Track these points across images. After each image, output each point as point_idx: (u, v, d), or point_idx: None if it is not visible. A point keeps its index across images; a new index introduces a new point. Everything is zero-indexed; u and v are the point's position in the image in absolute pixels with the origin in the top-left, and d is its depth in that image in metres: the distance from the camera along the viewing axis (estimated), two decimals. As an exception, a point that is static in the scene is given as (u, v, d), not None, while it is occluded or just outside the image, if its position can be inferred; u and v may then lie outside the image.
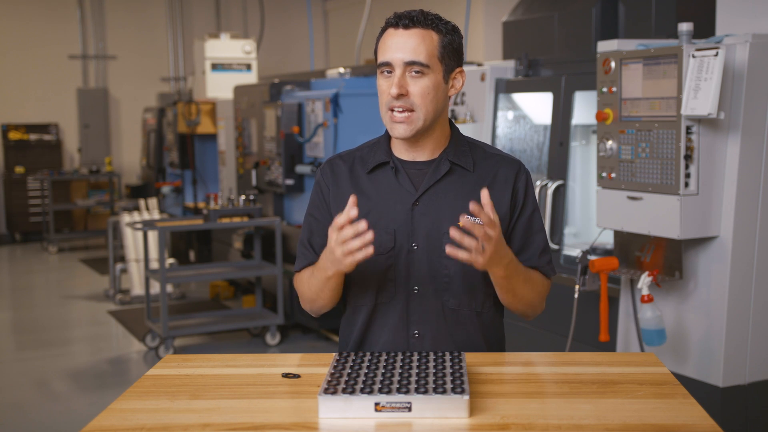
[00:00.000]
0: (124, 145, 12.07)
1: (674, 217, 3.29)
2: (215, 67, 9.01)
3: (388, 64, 1.95)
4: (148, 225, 5.99)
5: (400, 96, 1.93)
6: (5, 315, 7.48)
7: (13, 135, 11.19)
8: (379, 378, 1.69)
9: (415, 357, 1.83)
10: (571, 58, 4.35)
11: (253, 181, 6.91)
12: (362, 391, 1.61)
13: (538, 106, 4.63)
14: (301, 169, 6.23)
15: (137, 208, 8.77)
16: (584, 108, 4.22)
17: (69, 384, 5.36)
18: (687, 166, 3.27)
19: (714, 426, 1.53)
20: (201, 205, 8.30)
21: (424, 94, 1.94)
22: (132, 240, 7.45)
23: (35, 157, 11.25)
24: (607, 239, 3.95)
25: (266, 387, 1.80)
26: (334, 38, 12.52)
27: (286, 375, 1.85)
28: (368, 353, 1.88)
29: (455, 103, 4.82)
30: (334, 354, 1.91)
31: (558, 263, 4.23)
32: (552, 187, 4.25)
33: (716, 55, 3.11)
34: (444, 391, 1.59)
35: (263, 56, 10.94)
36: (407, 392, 1.60)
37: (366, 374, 1.71)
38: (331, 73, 6.66)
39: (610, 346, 3.83)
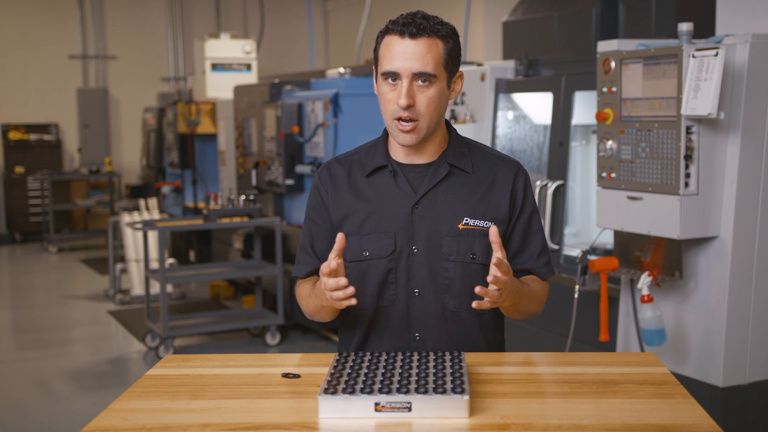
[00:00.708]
0: (124, 145, 12.07)
1: (674, 217, 3.29)
2: (215, 67, 9.01)
3: (395, 74, 1.93)
4: (148, 225, 5.99)
5: (408, 107, 1.92)
6: (5, 315, 7.48)
7: (13, 135, 11.19)
8: (379, 378, 1.69)
9: (415, 357, 1.83)
10: (571, 58, 4.35)
11: (253, 181, 6.91)
12: (362, 391, 1.61)
13: (538, 106, 4.63)
14: (301, 169, 6.23)
15: (137, 208, 8.77)
16: (584, 108, 4.22)
17: (69, 384, 5.36)
18: (687, 166, 3.27)
19: (714, 426, 1.53)
20: (201, 205, 8.30)
21: (430, 103, 1.94)
22: (132, 240, 7.45)
23: (35, 157, 11.25)
24: (607, 239, 3.95)
25: (266, 387, 1.80)
26: (334, 38, 12.52)
27: (286, 375, 1.85)
28: (368, 353, 1.88)
29: (455, 104, 4.82)
30: (334, 354, 1.91)
31: (558, 263, 4.23)
32: (552, 187, 4.25)
33: (716, 55, 3.11)
34: (444, 391, 1.59)
35: (263, 56, 10.94)
36: (407, 392, 1.60)
37: (366, 374, 1.71)
38: (331, 73, 6.66)
39: (610, 346, 3.83)
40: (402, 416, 1.58)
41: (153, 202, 8.26)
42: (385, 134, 2.09)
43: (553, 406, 1.65)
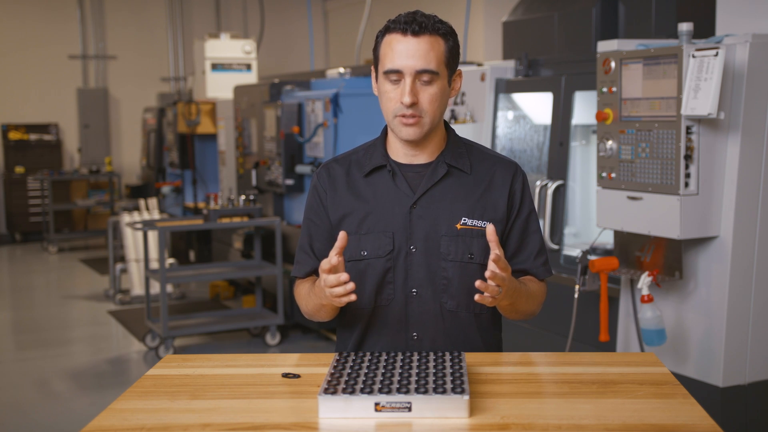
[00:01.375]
0: (124, 145, 12.07)
1: (674, 217, 3.29)
2: (215, 67, 9.01)
3: (398, 72, 1.93)
4: (148, 225, 5.99)
5: (413, 104, 1.92)
6: (5, 315, 7.48)
7: (13, 135, 11.19)
8: (379, 378, 1.69)
9: (415, 357, 1.83)
10: (571, 58, 4.35)
11: (253, 181, 6.91)
12: (362, 391, 1.61)
13: (538, 106, 4.63)
14: (301, 169, 6.23)
15: (137, 208, 8.77)
16: (584, 108, 4.22)
17: (69, 384, 5.36)
18: (687, 166, 3.27)
19: (714, 426, 1.53)
20: (201, 205, 8.30)
21: (433, 100, 1.95)
22: (132, 240, 7.45)
23: (35, 157, 11.25)
24: (607, 239, 3.95)
25: (266, 387, 1.80)
26: (334, 38, 12.52)
27: (286, 375, 1.85)
28: (368, 353, 1.88)
29: (455, 103, 4.82)
30: (334, 354, 1.91)
31: (558, 263, 4.23)
32: (552, 187, 4.24)
33: (716, 55, 3.11)
34: (444, 391, 1.59)
35: (263, 56, 10.94)
36: (407, 392, 1.60)
37: (366, 374, 1.71)
38: (331, 73, 6.66)
39: (610, 346, 3.83)
40: (402, 416, 1.58)
41: (153, 202, 8.26)
42: (384, 134, 2.10)
43: (553, 406, 1.65)
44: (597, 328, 3.76)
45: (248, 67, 9.15)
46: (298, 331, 6.35)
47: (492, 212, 2.02)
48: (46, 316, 7.28)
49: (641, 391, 1.71)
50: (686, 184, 3.27)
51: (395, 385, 1.64)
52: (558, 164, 4.30)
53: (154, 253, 7.24)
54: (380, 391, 1.61)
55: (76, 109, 11.61)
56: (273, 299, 6.68)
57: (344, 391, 1.61)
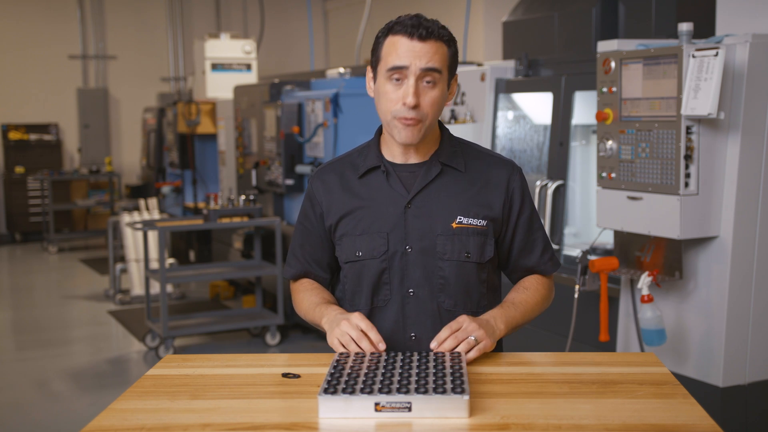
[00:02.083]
0: (124, 145, 12.07)
1: (674, 217, 3.29)
2: (215, 67, 9.01)
3: (402, 69, 1.91)
4: (148, 225, 5.99)
5: (415, 106, 1.91)
6: (5, 315, 7.49)
7: (13, 135, 11.19)
8: (379, 378, 1.69)
9: (415, 357, 1.83)
10: (571, 58, 4.35)
11: (253, 181, 6.91)
12: (362, 391, 1.61)
13: (538, 106, 4.63)
14: (301, 169, 6.23)
15: (137, 208, 8.77)
16: (584, 108, 4.22)
17: (69, 384, 5.36)
18: (687, 166, 3.27)
19: (714, 426, 1.53)
20: (201, 205, 8.30)
21: (434, 104, 1.94)
22: (132, 240, 7.45)
23: (35, 157, 11.25)
24: (607, 239, 3.95)
25: (266, 387, 1.80)
26: (334, 38, 12.52)
27: (286, 375, 1.85)
28: (368, 353, 1.88)
29: (455, 103, 4.82)
30: (334, 354, 1.91)
31: (559, 262, 4.23)
32: (552, 187, 4.25)
33: (716, 55, 3.11)
34: (444, 391, 1.59)
35: (263, 56, 10.94)
36: (407, 392, 1.60)
37: (366, 374, 1.71)
38: (331, 73, 6.66)
39: (610, 346, 3.83)
40: (402, 416, 1.58)
41: (153, 202, 8.26)
42: (378, 136, 2.10)
43: (553, 406, 1.65)
44: (597, 328, 3.76)
45: (248, 67, 9.15)
46: (298, 331, 6.35)
47: (488, 210, 2.02)
48: (46, 316, 7.28)
49: (641, 391, 1.71)
50: (686, 184, 3.27)
51: (395, 385, 1.64)
52: (558, 164, 4.30)
53: (154, 253, 7.24)
54: (380, 391, 1.61)
55: (76, 109, 11.61)
56: (273, 299, 6.68)
57: (344, 391, 1.61)
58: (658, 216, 3.36)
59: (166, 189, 9.15)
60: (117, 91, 12.01)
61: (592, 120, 3.99)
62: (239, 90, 7.55)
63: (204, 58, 9.00)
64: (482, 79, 4.65)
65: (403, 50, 1.92)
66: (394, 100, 1.94)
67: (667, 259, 3.46)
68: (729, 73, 3.24)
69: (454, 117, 4.78)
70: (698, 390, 3.34)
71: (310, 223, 2.12)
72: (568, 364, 1.92)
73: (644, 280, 3.43)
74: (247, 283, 7.41)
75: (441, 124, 2.09)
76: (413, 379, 1.68)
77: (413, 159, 2.04)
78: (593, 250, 4.02)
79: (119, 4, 11.97)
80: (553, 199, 4.25)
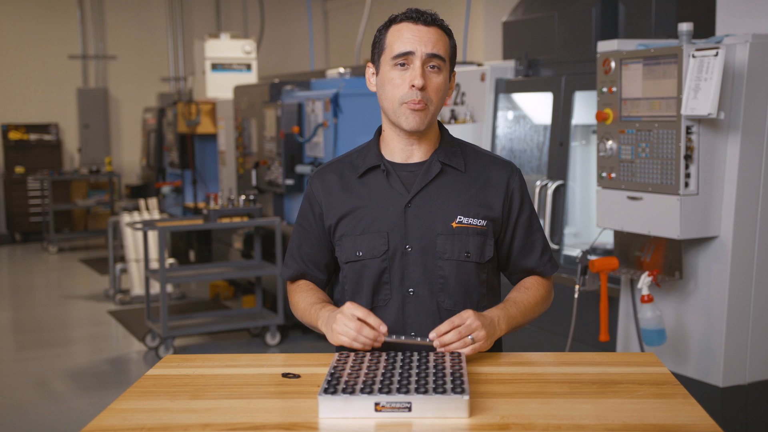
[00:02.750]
0: (124, 145, 12.07)
1: (674, 217, 3.29)
2: (215, 67, 9.01)
3: (408, 55, 1.94)
4: (148, 225, 5.99)
5: (422, 88, 1.94)
6: (5, 315, 7.49)
7: (13, 135, 11.19)
8: (379, 378, 1.69)
9: (415, 357, 1.83)
10: (571, 58, 4.35)
11: (253, 181, 6.91)
12: (362, 391, 1.61)
13: (538, 106, 4.63)
14: (301, 169, 6.23)
15: (137, 208, 8.77)
16: (584, 108, 4.22)
17: (69, 384, 5.36)
18: (687, 166, 3.27)
19: (714, 426, 1.53)
20: (201, 205, 8.30)
21: (438, 90, 1.97)
22: (132, 240, 7.46)
23: (35, 157, 11.25)
24: (607, 239, 3.95)
25: (266, 387, 1.80)
26: (334, 38, 12.52)
27: (286, 375, 1.85)
28: (368, 353, 1.88)
29: (455, 103, 4.82)
30: (334, 354, 1.91)
31: (558, 263, 4.23)
32: (552, 187, 4.24)
33: (716, 55, 3.11)
34: (444, 391, 1.59)
35: (263, 56, 10.94)
36: (407, 392, 1.60)
37: (366, 374, 1.71)
38: (331, 73, 6.66)
39: (610, 346, 3.83)
40: (402, 416, 1.58)
41: (153, 202, 8.26)
42: (377, 136, 2.10)
43: (553, 406, 1.65)
44: (597, 328, 3.76)
45: (248, 67, 9.15)
46: (298, 331, 6.35)
47: (488, 210, 2.03)
48: (46, 316, 7.28)
49: (641, 391, 1.71)
50: (686, 184, 3.27)
51: (395, 385, 1.64)
52: (558, 164, 4.30)
53: (154, 253, 7.24)
54: (380, 391, 1.61)
55: (76, 109, 11.61)
56: (273, 299, 6.68)
57: (344, 391, 1.61)
58: (658, 216, 3.36)
59: (166, 189, 9.15)
60: (117, 91, 12.02)
61: (592, 120, 3.99)
62: (239, 90, 7.55)
63: (204, 58, 9.00)
64: (482, 79, 4.65)
65: (408, 36, 1.95)
66: (400, 86, 1.96)
67: (667, 259, 3.46)
68: (729, 73, 3.24)
69: (454, 117, 4.78)
70: (698, 390, 3.34)
71: (308, 224, 2.12)
72: (568, 364, 1.92)
73: (644, 280, 3.43)
74: (247, 283, 7.41)
75: (441, 125, 2.09)
76: (413, 379, 1.68)
77: (414, 158, 2.04)
78: (593, 250, 4.02)
79: (119, 4, 11.97)
80: (553, 199, 4.25)
